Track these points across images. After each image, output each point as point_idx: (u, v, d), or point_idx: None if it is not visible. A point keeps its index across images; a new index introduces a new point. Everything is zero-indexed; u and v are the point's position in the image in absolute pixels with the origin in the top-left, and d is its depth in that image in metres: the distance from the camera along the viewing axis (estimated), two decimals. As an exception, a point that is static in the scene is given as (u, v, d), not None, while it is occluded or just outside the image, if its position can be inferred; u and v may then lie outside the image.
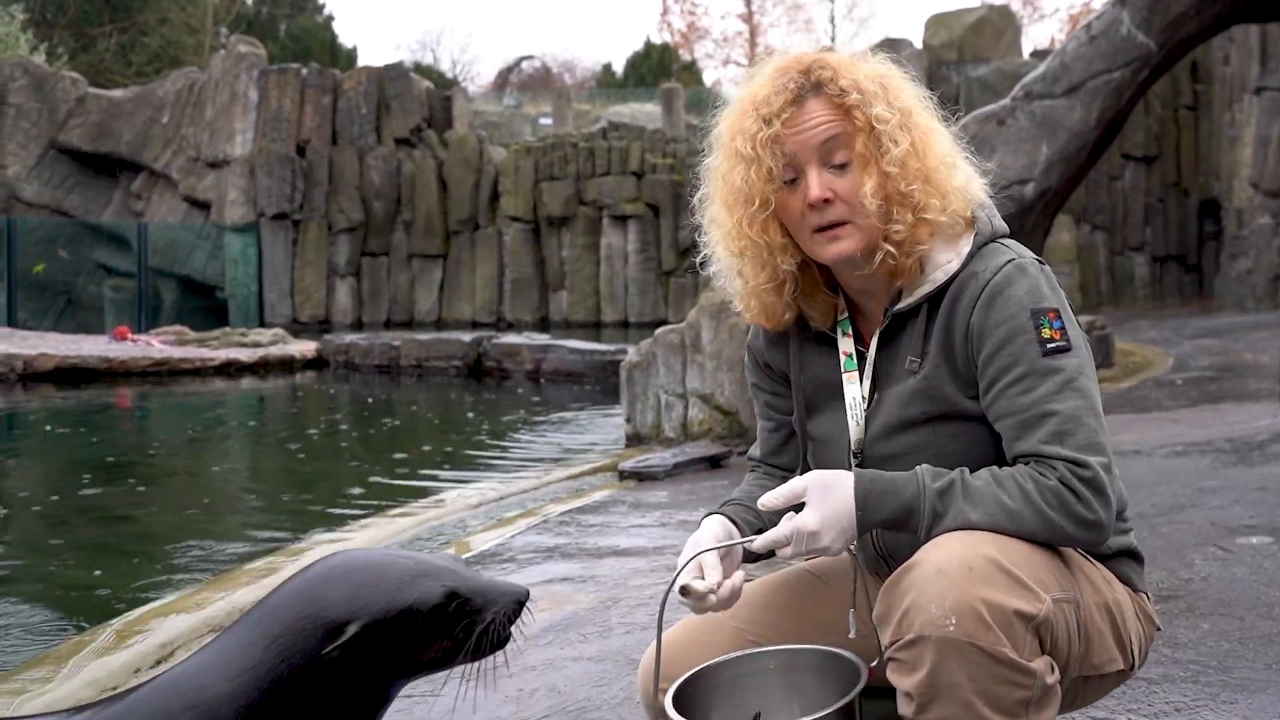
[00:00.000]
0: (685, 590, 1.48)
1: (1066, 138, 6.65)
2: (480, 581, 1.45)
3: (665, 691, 1.51)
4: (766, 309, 1.65)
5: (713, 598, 1.48)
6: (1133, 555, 1.62)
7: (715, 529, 1.59)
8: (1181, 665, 2.54)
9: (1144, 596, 1.62)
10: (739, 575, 1.53)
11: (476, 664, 1.46)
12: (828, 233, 1.54)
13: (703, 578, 1.49)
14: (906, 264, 1.54)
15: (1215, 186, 19.27)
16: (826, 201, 1.52)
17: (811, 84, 1.54)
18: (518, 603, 1.45)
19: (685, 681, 1.52)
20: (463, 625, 1.42)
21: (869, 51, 1.61)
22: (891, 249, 1.52)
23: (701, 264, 1.70)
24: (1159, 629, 1.66)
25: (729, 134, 1.58)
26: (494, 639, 1.43)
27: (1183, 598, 3.08)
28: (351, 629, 1.38)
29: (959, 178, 1.55)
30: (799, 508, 1.46)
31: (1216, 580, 3.25)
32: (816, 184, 1.52)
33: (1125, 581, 1.59)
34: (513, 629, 1.46)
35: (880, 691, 1.44)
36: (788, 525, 1.45)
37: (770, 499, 1.47)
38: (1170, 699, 2.34)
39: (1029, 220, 6.65)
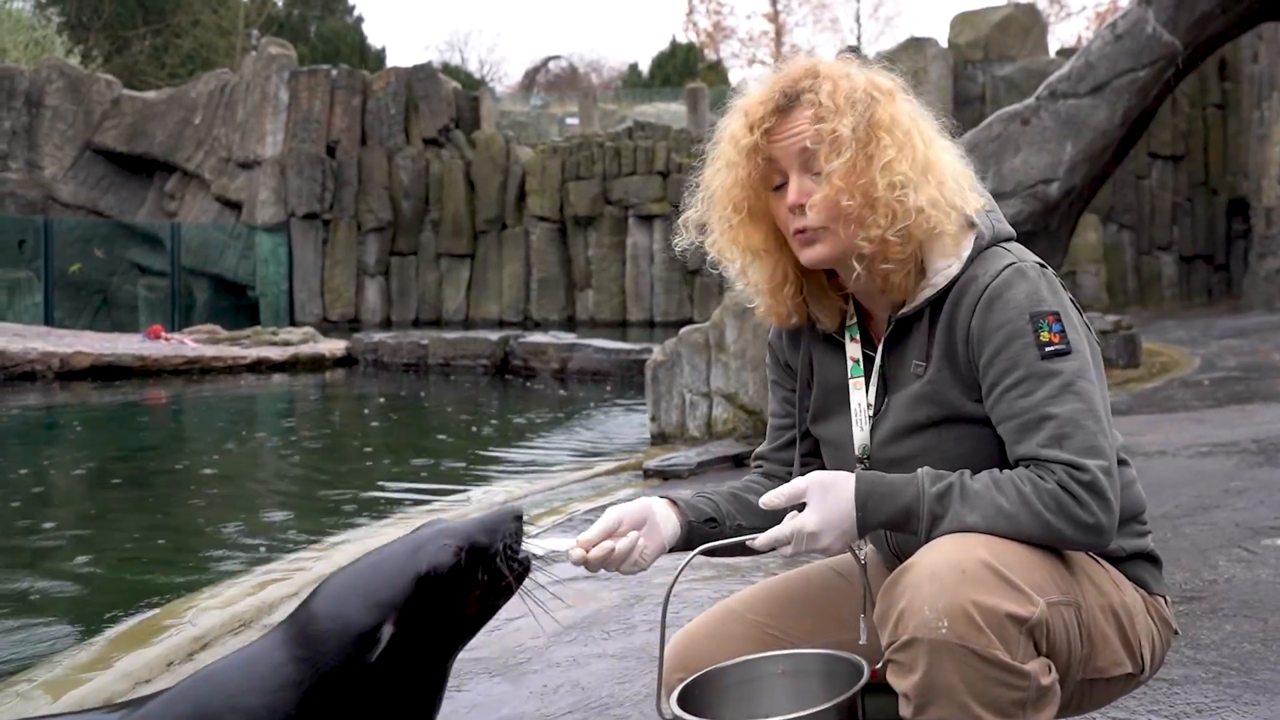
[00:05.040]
0: (555, 555, 1.54)
1: (1091, 137, 6.62)
2: (471, 523, 1.49)
3: (672, 687, 1.54)
4: (770, 308, 1.70)
5: (578, 552, 1.52)
6: (1149, 558, 1.62)
7: (663, 509, 1.61)
8: (1204, 666, 2.54)
9: (1161, 600, 1.62)
10: (628, 540, 1.53)
11: (523, 598, 1.50)
12: (805, 236, 1.58)
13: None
14: (880, 281, 1.58)
15: (1243, 185, 19.07)
16: (802, 207, 1.57)
17: (795, 93, 1.58)
18: (515, 519, 1.49)
19: (693, 683, 1.54)
20: (482, 566, 1.45)
21: (877, 63, 1.64)
22: (855, 264, 1.56)
23: (714, 265, 1.74)
24: (1176, 632, 1.66)
25: (720, 140, 1.65)
26: (516, 564, 1.47)
27: (1206, 599, 3.07)
28: (386, 631, 1.40)
29: (921, 197, 1.53)
30: (801, 507, 1.49)
31: (1240, 582, 3.23)
32: (794, 190, 1.58)
33: (1140, 584, 1.59)
34: (530, 554, 1.49)
35: (890, 690, 1.45)
36: (789, 525, 1.48)
37: (772, 498, 1.50)
38: (1192, 700, 2.34)
39: (1054, 219, 6.63)
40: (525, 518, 1.52)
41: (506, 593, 1.48)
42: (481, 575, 1.45)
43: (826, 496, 1.47)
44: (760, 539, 1.50)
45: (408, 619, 1.42)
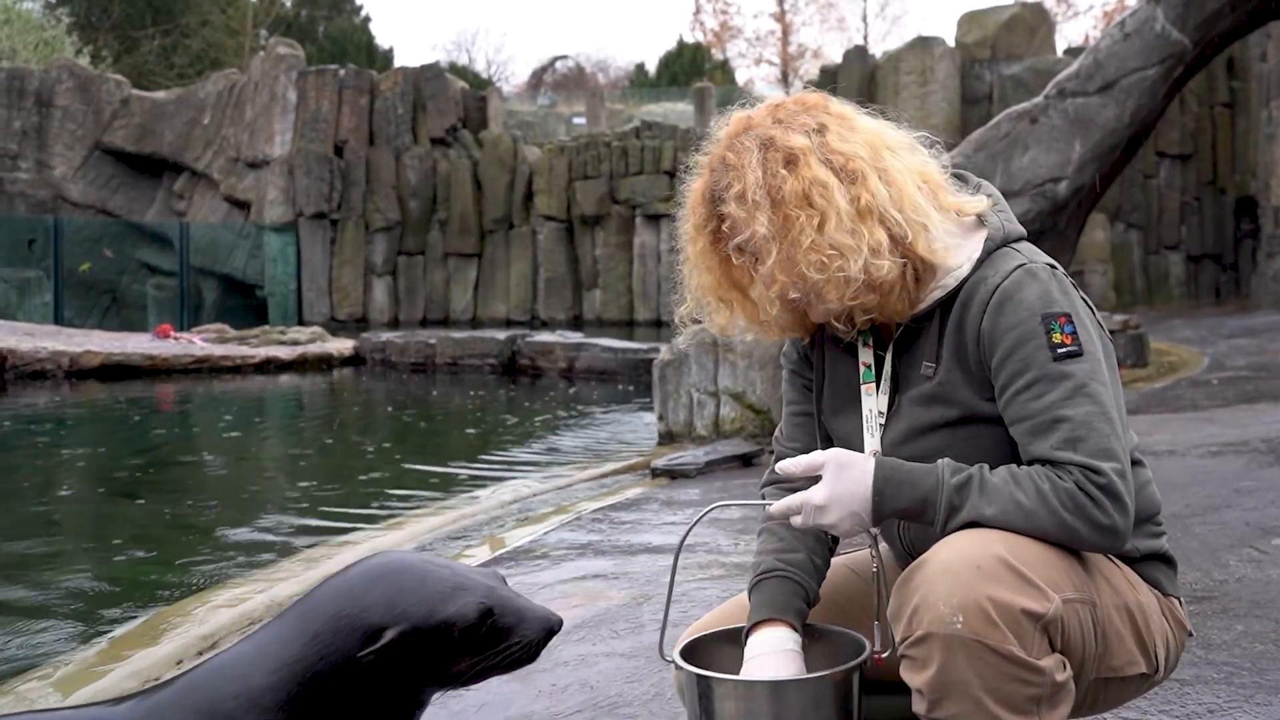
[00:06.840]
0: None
1: (1100, 136, 6.61)
2: (516, 603, 1.48)
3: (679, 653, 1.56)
4: (786, 330, 1.70)
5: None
6: (1164, 559, 1.62)
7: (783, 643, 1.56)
8: (1215, 666, 2.53)
9: (1175, 602, 1.62)
10: None
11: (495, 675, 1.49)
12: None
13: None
14: (876, 312, 1.57)
15: (1252, 184, 19.00)
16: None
17: (716, 197, 1.58)
18: (548, 631, 1.48)
19: (696, 640, 1.57)
20: (493, 644, 1.45)
21: (795, 104, 1.59)
22: (835, 323, 1.59)
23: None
24: (1191, 634, 1.65)
25: (683, 228, 1.68)
26: (521, 660, 1.47)
27: (1217, 599, 3.06)
28: (389, 634, 1.40)
29: (858, 260, 1.50)
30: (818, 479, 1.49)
31: (1251, 581, 3.22)
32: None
33: (1154, 585, 1.59)
34: (536, 655, 1.49)
35: (899, 687, 1.45)
36: (799, 496, 1.49)
37: (790, 466, 1.52)
38: (1203, 700, 2.33)
39: (1062, 218, 6.62)
40: (559, 630, 1.51)
41: (492, 674, 1.48)
42: (487, 649, 1.45)
43: (841, 474, 1.47)
44: (773, 507, 1.52)
45: (408, 639, 1.42)
